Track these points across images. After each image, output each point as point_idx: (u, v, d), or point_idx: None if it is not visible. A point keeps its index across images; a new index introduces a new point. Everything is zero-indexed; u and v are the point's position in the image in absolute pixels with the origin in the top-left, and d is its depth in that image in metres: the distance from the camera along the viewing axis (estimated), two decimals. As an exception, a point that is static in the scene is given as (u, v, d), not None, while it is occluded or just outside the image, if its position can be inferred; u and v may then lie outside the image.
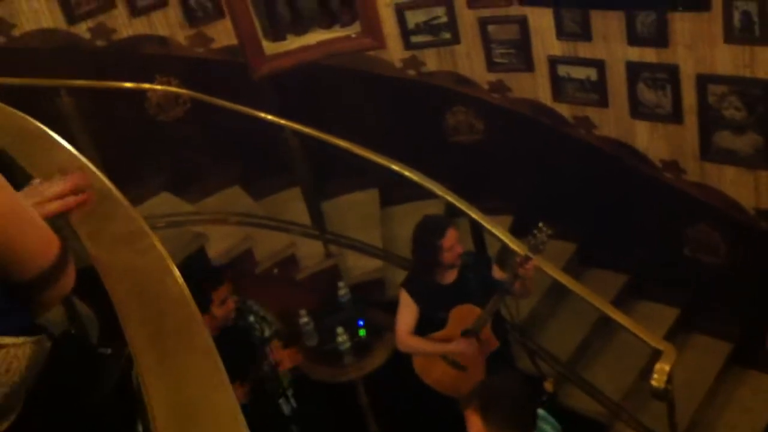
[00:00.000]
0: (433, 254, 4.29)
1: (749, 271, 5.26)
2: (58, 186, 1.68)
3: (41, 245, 1.30)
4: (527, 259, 4.14)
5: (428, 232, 4.32)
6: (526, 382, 4.79)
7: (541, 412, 3.50)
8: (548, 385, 4.73)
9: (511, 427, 3.19)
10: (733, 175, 5.08)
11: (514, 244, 4.53)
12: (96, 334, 2.33)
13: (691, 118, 5.02)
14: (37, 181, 1.72)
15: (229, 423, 1.14)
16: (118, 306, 1.37)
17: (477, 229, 4.87)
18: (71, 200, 1.63)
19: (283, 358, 4.36)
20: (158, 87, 5.12)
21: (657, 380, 3.95)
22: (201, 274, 4.26)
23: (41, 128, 1.98)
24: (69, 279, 1.35)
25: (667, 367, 3.96)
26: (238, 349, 4.17)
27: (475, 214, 4.73)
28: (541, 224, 4.18)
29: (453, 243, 4.28)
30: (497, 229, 4.71)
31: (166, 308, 1.35)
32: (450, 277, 4.43)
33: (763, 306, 5.24)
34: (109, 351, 1.59)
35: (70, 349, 1.46)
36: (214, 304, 4.02)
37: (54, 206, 1.60)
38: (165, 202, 5.62)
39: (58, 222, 1.59)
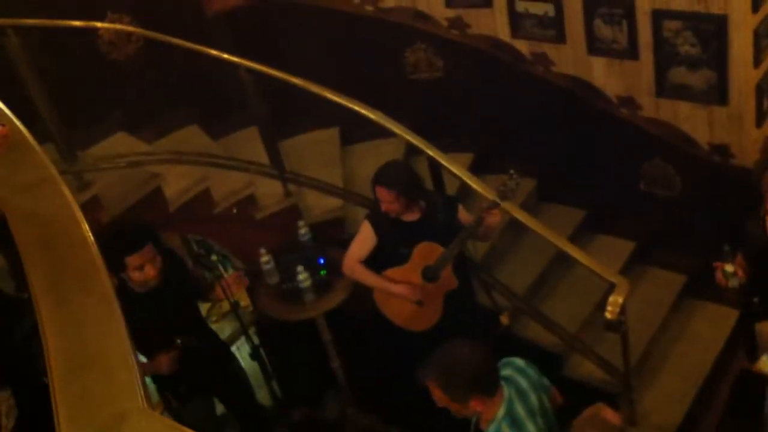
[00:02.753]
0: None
1: (702, 204, 5.33)
2: None
3: None
4: (495, 205, 4.16)
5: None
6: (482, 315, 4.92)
7: (518, 361, 3.47)
8: (504, 318, 4.84)
9: None
10: (688, 110, 5.11)
11: (480, 188, 4.52)
12: (12, 284, 2.33)
13: (646, 54, 5.02)
14: None
15: (119, 366, 1.17)
16: (22, 250, 1.38)
17: (436, 169, 4.88)
18: None
19: (230, 284, 4.32)
20: (108, 25, 5.02)
21: (610, 312, 4.03)
22: (115, 236, 4.09)
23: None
24: None
25: (620, 299, 4.03)
26: (171, 307, 4.15)
27: (434, 153, 4.72)
28: (512, 171, 4.18)
29: (383, 197, 4.31)
30: (463, 172, 4.69)
31: (68, 254, 1.36)
32: (413, 215, 4.46)
33: (716, 239, 5.32)
34: (26, 296, 1.60)
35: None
36: (128, 267, 3.90)
37: None
38: (121, 142, 5.57)
39: None
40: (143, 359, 4.10)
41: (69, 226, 1.42)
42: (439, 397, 3.23)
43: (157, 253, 4.00)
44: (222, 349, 4.87)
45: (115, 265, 3.77)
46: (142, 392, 1.17)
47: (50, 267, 1.35)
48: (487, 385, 3.23)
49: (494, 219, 4.25)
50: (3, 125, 1.65)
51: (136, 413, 1.13)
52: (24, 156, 1.58)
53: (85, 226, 1.42)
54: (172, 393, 4.44)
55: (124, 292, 3.95)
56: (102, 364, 1.21)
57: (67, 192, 1.47)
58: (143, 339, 3.89)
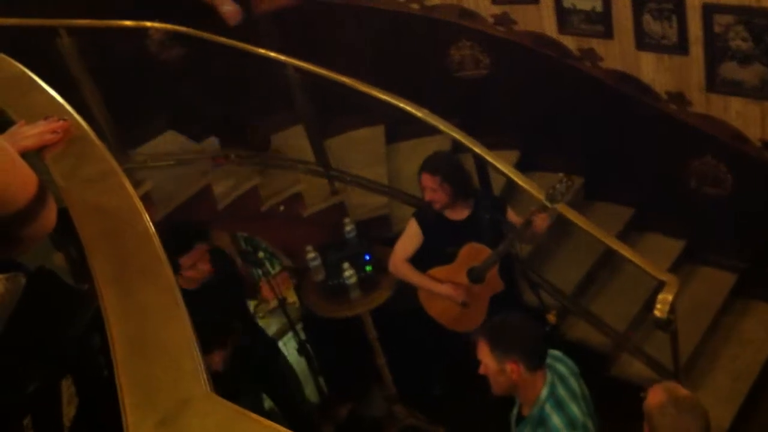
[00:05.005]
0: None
1: (754, 202, 5.24)
2: (38, 127, 1.73)
3: (20, 181, 1.33)
4: (543, 208, 4.13)
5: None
6: (530, 316, 4.90)
7: (556, 352, 3.54)
8: (551, 317, 4.78)
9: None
10: (739, 106, 5.02)
11: (529, 186, 4.48)
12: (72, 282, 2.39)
13: (696, 49, 4.94)
14: (21, 123, 1.77)
15: (183, 354, 1.19)
16: (85, 243, 1.41)
17: (482, 168, 4.86)
18: (47, 137, 1.68)
19: (278, 285, 4.39)
20: (158, 25, 5.09)
21: (659, 310, 3.97)
22: (166, 239, 4.18)
23: (20, 69, 2.01)
24: (49, 216, 1.38)
25: (669, 297, 3.97)
26: (220, 305, 4.25)
27: (480, 150, 4.69)
28: (562, 175, 4.15)
29: (426, 184, 4.31)
30: (510, 170, 4.64)
31: (131, 246, 1.39)
32: (460, 214, 4.45)
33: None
34: (86, 287, 1.64)
35: (45, 284, 1.51)
36: (182, 268, 4.02)
37: (30, 141, 1.65)
38: (171, 141, 5.65)
39: (39, 165, 1.63)
40: None
41: (132, 219, 1.45)
42: (484, 354, 3.30)
43: (207, 251, 4.08)
44: (270, 345, 4.92)
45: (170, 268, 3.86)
46: (206, 380, 1.19)
47: (114, 259, 1.39)
48: (531, 354, 3.27)
49: (542, 222, 4.16)
50: (65, 120, 1.70)
51: (201, 398, 1.15)
52: (86, 149, 1.62)
53: (147, 218, 1.45)
54: (222, 389, 4.50)
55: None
56: (166, 352, 1.23)
57: (128, 185, 1.51)
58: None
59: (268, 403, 5.02)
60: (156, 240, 1.38)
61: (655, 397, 3.00)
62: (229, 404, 1.09)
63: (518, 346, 3.25)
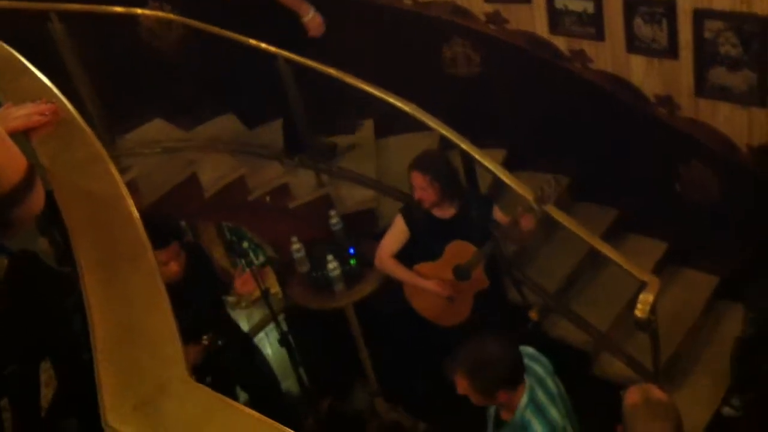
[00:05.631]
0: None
1: (739, 208, 5.28)
2: (26, 109, 1.73)
3: (8, 163, 1.33)
4: (530, 210, 4.15)
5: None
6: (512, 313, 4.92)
7: (530, 350, 3.57)
8: (533, 314, 4.83)
9: None
10: (727, 111, 5.05)
11: (516, 185, 4.50)
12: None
13: (686, 54, 4.97)
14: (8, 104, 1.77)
15: (165, 339, 1.20)
16: (70, 227, 1.41)
17: (470, 165, 4.87)
18: (35, 118, 1.68)
19: (261, 277, 4.37)
20: (149, 12, 5.08)
21: (640, 310, 4.01)
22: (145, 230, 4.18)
23: (10, 53, 2.00)
24: (37, 198, 1.37)
25: (650, 298, 4.02)
26: (194, 302, 4.20)
27: (468, 147, 4.71)
28: (552, 177, 4.17)
29: (416, 183, 4.33)
30: (497, 168, 4.67)
31: (115, 232, 1.39)
32: (447, 212, 4.47)
33: (752, 240, 5.27)
34: (68, 270, 1.64)
35: (27, 266, 1.51)
36: None
37: (17, 123, 1.65)
38: (158, 129, 5.63)
39: (25, 148, 1.63)
40: None
41: (117, 204, 1.45)
42: (464, 388, 3.29)
43: (181, 249, 4.08)
44: (246, 343, 4.93)
45: None
46: (186, 365, 1.20)
47: (98, 244, 1.39)
48: (514, 379, 3.28)
49: (529, 224, 4.20)
50: (53, 102, 1.69)
51: (178, 382, 1.16)
52: (72, 133, 1.62)
53: (132, 204, 1.45)
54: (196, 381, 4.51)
55: None
56: (147, 337, 1.24)
57: (114, 170, 1.51)
58: None
59: (243, 396, 5.02)
60: (140, 226, 1.38)
61: (630, 398, 3.03)
62: (207, 389, 1.09)
63: (503, 380, 3.27)
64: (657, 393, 3.05)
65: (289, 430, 1.09)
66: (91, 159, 1.56)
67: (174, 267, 4.03)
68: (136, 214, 1.42)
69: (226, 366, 4.47)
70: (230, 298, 5.23)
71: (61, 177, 1.52)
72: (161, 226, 4.20)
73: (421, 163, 4.37)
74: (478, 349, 3.31)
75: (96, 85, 4.95)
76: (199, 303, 4.23)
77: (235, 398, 4.81)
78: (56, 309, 1.53)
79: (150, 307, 1.26)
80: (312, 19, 5.19)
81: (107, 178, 1.51)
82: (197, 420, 1.10)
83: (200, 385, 1.16)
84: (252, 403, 5.13)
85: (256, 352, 5.07)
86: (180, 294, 4.00)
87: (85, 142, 1.61)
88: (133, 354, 1.22)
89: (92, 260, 1.33)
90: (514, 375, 3.30)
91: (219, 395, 1.12)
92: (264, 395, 5.02)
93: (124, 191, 1.49)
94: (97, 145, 1.60)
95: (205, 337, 4.27)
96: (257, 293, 4.61)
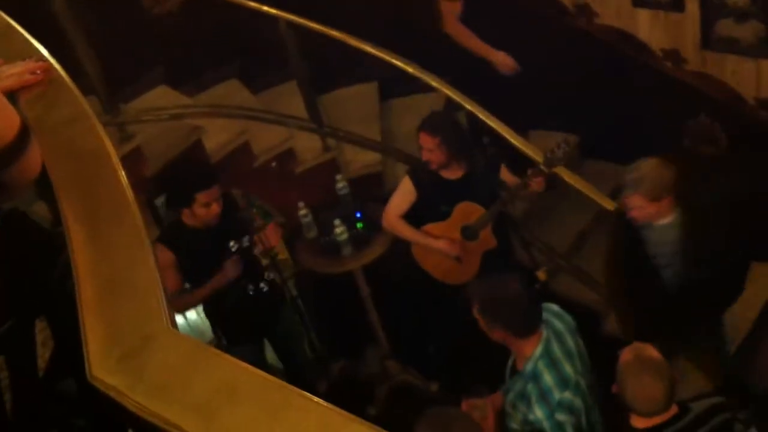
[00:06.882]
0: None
1: (748, 161, 5.22)
2: (17, 68, 1.72)
3: (4, 120, 1.31)
4: (540, 171, 4.12)
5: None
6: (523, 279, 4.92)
7: (555, 307, 3.55)
8: (541, 274, 4.82)
9: None
10: (735, 64, 4.98)
11: (524, 147, 4.47)
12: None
13: (692, 6, 4.88)
14: None
15: (148, 293, 1.20)
16: (55, 185, 1.41)
17: (474, 125, 4.84)
18: (27, 77, 1.67)
19: (268, 237, 4.39)
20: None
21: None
22: (190, 172, 4.28)
23: (-2, 15, 1.99)
24: (32, 161, 1.35)
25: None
26: (223, 243, 4.26)
27: (473, 108, 4.68)
28: (563, 139, 4.14)
29: (425, 144, 4.31)
30: (504, 129, 4.61)
31: (100, 188, 1.39)
32: (455, 173, 4.46)
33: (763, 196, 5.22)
34: (60, 229, 1.64)
35: (17, 226, 1.51)
36: (196, 203, 4.02)
37: (10, 81, 1.64)
38: (163, 96, 5.61)
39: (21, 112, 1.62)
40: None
41: (101, 160, 1.45)
42: (476, 312, 3.34)
43: (221, 195, 4.13)
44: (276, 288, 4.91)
45: (184, 199, 3.98)
46: (169, 317, 1.20)
47: (83, 200, 1.39)
48: (518, 327, 3.30)
49: (538, 186, 4.19)
50: (44, 61, 1.69)
51: (163, 333, 1.16)
52: (58, 93, 1.62)
53: (117, 160, 1.45)
54: (223, 330, 4.57)
55: (177, 226, 4.18)
56: (131, 291, 1.24)
57: (99, 127, 1.51)
58: (195, 270, 4.10)
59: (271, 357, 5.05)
60: (125, 181, 1.38)
61: (625, 356, 3.04)
62: (192, 339, 1.10)
63: (505, 319, 3.27)
64: (650, 351, 3.05)
65: (268, 374, 1.09)
66: (75, 117, 1.56)
67: (215, 208, 4.07)
68: (121, 171, 1.42)
69: (255, 309, 4.51)
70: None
71: (47, 136, 1.51)
72: (205, 168, 4.34)
73: (430, 124, 4.35)
74: (495, 282, 3.39)
75: (98, 54, 4.94)
76: (225, 243, 4.29)
77: (263, 355, 4.84)
78: (48, 266, 1.54)
79: (134, 261, 1.26)
80: (501, 61, 5.13)
81: (92, 136, 1.50)
82: (182, 369, 1.11)
83: (184, 335, 1.16)
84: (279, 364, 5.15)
85: (285, 300, 5.07)
86: (208, 232, 4.11)
87: (69, 101, 1.61)
88: (119, 308, 1.22)
89: (77, 216, 1.33)
90: (519, 322, 3.29)
91: (202, 343, 1.12)
92: (290, 350, 5.04)
93: (110, 147, 1.49)
94: (83, 103, 1.59)
95: (231, 242, 4.31)
96: (266, 260, 4.59)
